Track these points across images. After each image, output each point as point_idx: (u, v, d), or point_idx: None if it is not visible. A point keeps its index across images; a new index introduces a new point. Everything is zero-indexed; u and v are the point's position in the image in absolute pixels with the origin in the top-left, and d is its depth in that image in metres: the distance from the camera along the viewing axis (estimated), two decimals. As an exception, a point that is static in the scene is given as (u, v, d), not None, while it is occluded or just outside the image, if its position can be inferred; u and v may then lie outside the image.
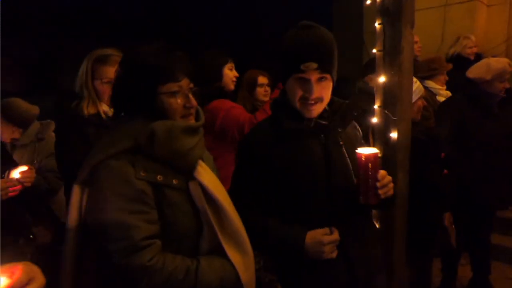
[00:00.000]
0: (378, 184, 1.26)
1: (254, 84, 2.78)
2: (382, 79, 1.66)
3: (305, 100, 1.30)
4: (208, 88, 2.28)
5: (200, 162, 1.20)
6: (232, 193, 1.40)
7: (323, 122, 1.35)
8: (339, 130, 1.39)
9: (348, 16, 5.99)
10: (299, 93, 1.30)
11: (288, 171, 1.32)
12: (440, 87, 3.51)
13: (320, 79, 1.29)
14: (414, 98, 2.09)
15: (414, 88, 2.09)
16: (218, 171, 1.39)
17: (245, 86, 2.86)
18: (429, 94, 3.56)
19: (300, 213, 1.34)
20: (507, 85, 2.63)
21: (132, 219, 1.05)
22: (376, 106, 1.71)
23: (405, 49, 1.63)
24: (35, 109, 2.47)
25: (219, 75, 2.31)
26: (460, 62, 3.86)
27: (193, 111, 1.20)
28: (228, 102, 2.30)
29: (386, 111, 1.67)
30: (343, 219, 1.34)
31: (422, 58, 3.82)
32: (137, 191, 1.07)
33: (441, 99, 3.52)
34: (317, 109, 1.33)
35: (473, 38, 3.87)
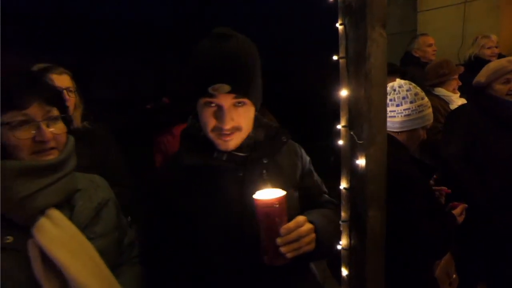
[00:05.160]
0: (278, 241, 0.93)
1: None
2: (344, 92, 1.34)
3: (219, 130, 1.02)
4: (184, 105, 1.99)
5: (50, 212, 0.92)
6: (140, 246, 1.18)
7: (240, 154, 1.06)
8: (264, 161, 1.10)
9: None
10: (212, 122, 1.03)
11: (194, 218, 1.03)
12: (452, 93, 3.09)
13: (237, 105, 1.02)
14: (416, 125, 1.75)
15: (422, 114, 1.75)
16: None
17: None
18: (441, 103, 3.15)
19: (210, 271, 1.04)
20: None
21: None
22: (340, 126, 1.38)
23: (374, 55, 1.29)
24: None
25: None
26: (480, 65, 3.43)
27: (51, 145, 0.93)
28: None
29: (352, 133, 1.35)
30: (265, 279, 1.04)
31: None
32: None
33: (455, 107, 3.11)
34: (234, 140, 1.05)
35: (493, 37, 3.41)
